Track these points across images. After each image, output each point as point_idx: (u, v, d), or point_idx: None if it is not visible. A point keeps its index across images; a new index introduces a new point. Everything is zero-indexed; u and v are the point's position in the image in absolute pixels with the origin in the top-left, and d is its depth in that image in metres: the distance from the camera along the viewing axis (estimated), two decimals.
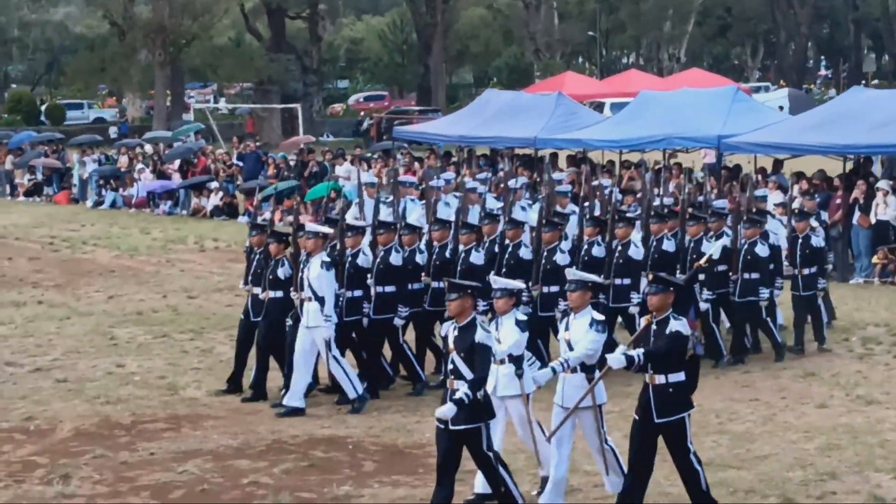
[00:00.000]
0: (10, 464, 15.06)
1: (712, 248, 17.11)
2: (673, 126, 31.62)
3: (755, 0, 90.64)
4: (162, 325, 23.13)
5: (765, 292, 19.53)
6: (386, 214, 21.42)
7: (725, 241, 19.34)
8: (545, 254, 18.55)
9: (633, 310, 19.00)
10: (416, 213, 22.82)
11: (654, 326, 12.44)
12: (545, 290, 18.47)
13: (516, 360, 13.14)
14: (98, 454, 15.33)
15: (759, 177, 30.25)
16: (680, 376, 12.41)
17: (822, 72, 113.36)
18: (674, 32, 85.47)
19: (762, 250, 19.52)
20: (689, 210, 20.20)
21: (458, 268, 18.41)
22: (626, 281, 19.18)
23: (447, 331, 12.87)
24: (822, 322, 20.52)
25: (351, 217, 21.08)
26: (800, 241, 20.25)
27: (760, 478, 13.96)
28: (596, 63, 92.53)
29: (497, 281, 13.75)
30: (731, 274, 19.70)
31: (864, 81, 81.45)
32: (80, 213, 41.91)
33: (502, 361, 13.15)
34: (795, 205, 22.08)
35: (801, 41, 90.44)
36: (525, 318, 13.69)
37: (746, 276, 19.53)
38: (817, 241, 20.37)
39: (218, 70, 77.00)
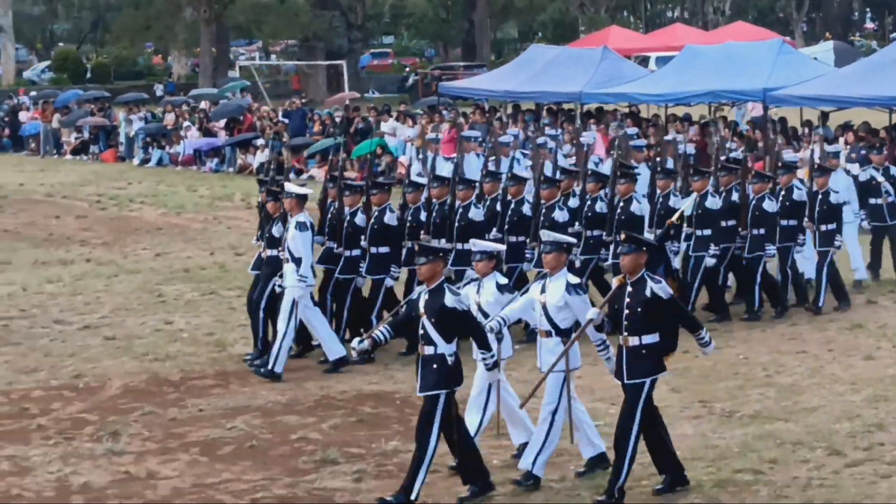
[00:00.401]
0: (60, 421, 15.19)
1: (685, 204, 16.86)
2: (718, 80, 31.50)
3: None
4: (209, 282, 23.25)
5: (771, 249, 19.29)
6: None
7: (694, 196, 19.04)
8: (544, 211, 18.53)
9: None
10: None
11: (628, 287, 12.13)
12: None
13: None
14: (147, 411, 15.45)
15: (806, 129, 30.14)
16: (654, 338, 12.14)
17: (868, 24, 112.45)
18: None
19: (769, 206, 19.24)
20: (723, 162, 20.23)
21: (456, 224, 18.29)
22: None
23: (418, 294, 12.66)
24: (835, 281, 20.13)
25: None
26: (819, 196, 19.86)
27: (808, 430, 13.95)
28: (641, 17, 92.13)
29: (476, 243, 13.57)
30: (739, 230, 19.40)
31: None
32: (126, 171, 42.05)
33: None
34: (816, 159, 21.84)
35: None
36: (506, 280, 13.62)
37: (755, 231, 19.27)
38: (836, 197, 19.90)
39: (262, 27, 76.85)
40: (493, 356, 12.53)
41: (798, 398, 15.27)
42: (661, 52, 49.97)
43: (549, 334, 12.73)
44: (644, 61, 49.74)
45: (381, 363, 17.44)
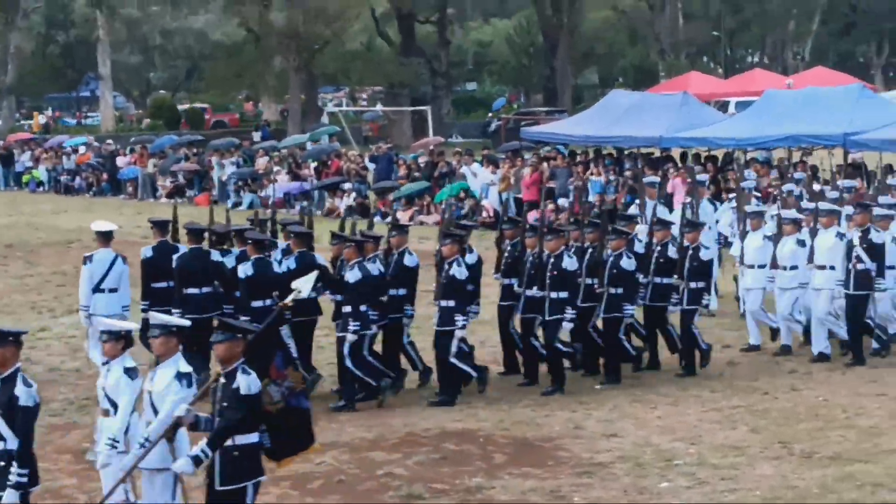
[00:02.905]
0: None
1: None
2: (798, 124, 31.33)
3: None
4: None
5: (629, 309, 18.41)
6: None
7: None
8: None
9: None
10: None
11: (221, 380, 10.61)
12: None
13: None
14: None
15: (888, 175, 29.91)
16: (252, 437, 10.63)
17: None
18: (798, 30, 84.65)
19: (627, 264, 18.22)
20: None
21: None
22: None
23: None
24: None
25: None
26: (689, 252, 19.01)
27: (888, 471, 13.79)
28: (720, 62, 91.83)
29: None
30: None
31: None
32: (219, 214, 42.24)
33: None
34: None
35: None
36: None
37: (657, 280, 18.77)
38: (706, 253, 19.20)
39: (350, 74, 77.38)
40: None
41: (878, 440, 15.12)
42: (741, 98, 49.81)
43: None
44: (724, 106, 49.59)
45: (465, 402, 17.47)
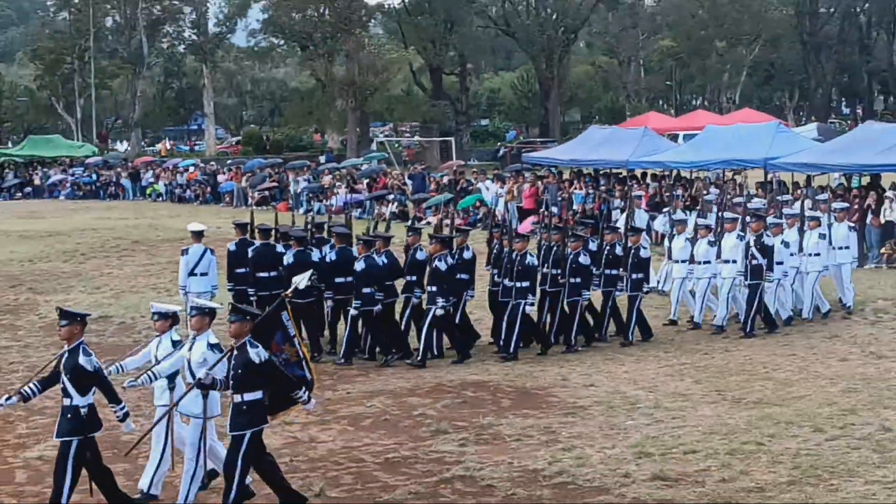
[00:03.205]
0: None
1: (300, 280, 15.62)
2: (731, 151, 31.26)
3: (792, 56, 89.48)
4: None
5: (586, 294, 18.03)
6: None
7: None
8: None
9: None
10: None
11: (235, 351, 10.43)
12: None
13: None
14: None
15: (797, 189, 29.81)
16: (257, 395, 10.45)
17: (844, 110, 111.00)
18: (731, 81, 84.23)
19: (584, 259, 17.97)
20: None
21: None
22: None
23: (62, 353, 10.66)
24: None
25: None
26: (632, 250, 18.78)
27: (797, 413, 13.79)
28: (672, 105, 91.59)
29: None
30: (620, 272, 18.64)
31: (875, 117, 79.57)
32: (298, 219, 42.25)
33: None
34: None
35: (827, 87, 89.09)
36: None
37: (573, 280, 17.93)
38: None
39: (393, 113, 77.44)
40: (122, 408, 10.74)
41: (789, 389, 15.11)
42: (688, 131, 49.59)
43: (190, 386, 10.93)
44: (674, 138, 49.31)
45: (479, 359, 17.47)
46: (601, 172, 36.95)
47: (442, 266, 17.20)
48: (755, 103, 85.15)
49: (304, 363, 11.03)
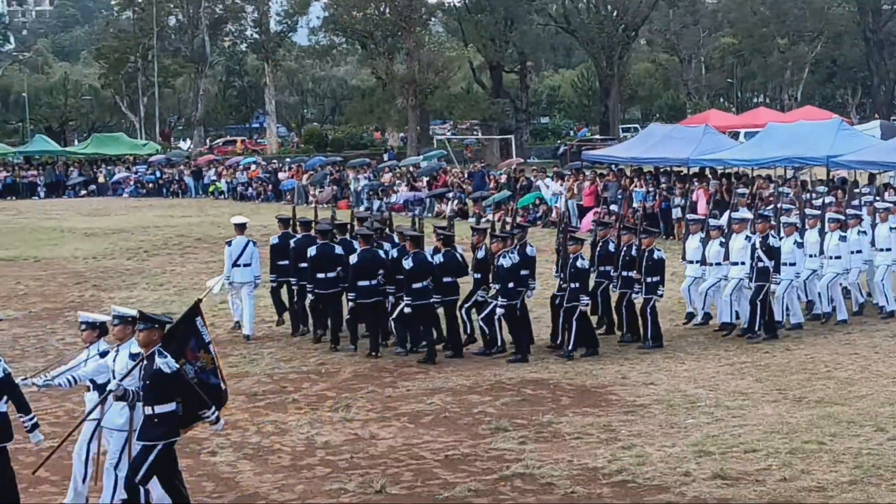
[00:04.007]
0: (309, 396, 15.47)
1: (214, 284, 14.10)
2: (792, 149, 31.01)
3: (855, 53, 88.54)
4: None
5: (585, 299, 17.43)
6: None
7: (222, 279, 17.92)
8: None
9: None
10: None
11: (145, 361, 9.98)
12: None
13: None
14: (370, 390, 15.65)
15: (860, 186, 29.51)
16: (169, 407, 9.98)
17: None
18: (793, 79, 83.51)
19: (581, 263, 17.40)
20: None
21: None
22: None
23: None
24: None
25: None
26: (646, 253, 18.03)
27: (859, 412, 13.67)
28: (733, 102, 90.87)
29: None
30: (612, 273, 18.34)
31: None
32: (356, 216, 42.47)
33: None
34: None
35: (890, 84, 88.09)
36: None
37: (573, 284, 17.30)
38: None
39: (453, 111, 77.54)
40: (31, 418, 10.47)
41: (851, 388, 14.97)
42: (749, 129, 49.20)
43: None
44: (735, 135, 48.96)
45: (539, 357, 17.46)
46: (661, 170, 36.77)
47: (506, 263, 17.18)
48: (817, 100, 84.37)
49: (218, 371, 10.61)
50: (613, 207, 33.78)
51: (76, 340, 19.37)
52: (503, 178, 42.42)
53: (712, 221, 20.23)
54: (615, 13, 75.39)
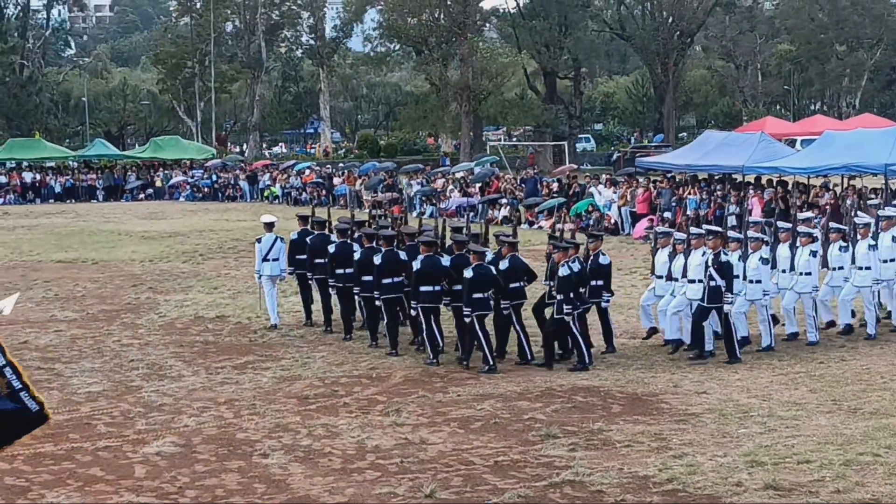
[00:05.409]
0: (360, 400, 15.48)
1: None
2: (849, 157, 30.68)
3: None
4: None
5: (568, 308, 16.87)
6: None
7: None
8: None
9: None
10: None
11: None
12: None
13: None
14: (421, 395, 15.63)
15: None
16: None
17: None
18: (851, 86, 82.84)
19: (562, 271, 17.17)
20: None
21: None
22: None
23: None
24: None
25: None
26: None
27: None
28: (790, 109, 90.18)
29: None
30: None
31: None
32: (409, 221, 42.59)
33: None
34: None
35: None
36: None
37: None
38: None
39: (507, 117, 77.57)
40: None
41: None
42: (806, 136, 48.80)
43: None
44: (792, 143, 48.65)
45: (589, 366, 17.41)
46: (716, 178, 36.53)
47: (565, 272, 17.06)
48: (875, 108, 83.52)
49: (22, 392, 9.35)
50: (667, 215, 33.63)
51: (132, 342, 19.61)
52: (554, 185, 42.33)
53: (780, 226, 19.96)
54: (670, 20, 75.14)
